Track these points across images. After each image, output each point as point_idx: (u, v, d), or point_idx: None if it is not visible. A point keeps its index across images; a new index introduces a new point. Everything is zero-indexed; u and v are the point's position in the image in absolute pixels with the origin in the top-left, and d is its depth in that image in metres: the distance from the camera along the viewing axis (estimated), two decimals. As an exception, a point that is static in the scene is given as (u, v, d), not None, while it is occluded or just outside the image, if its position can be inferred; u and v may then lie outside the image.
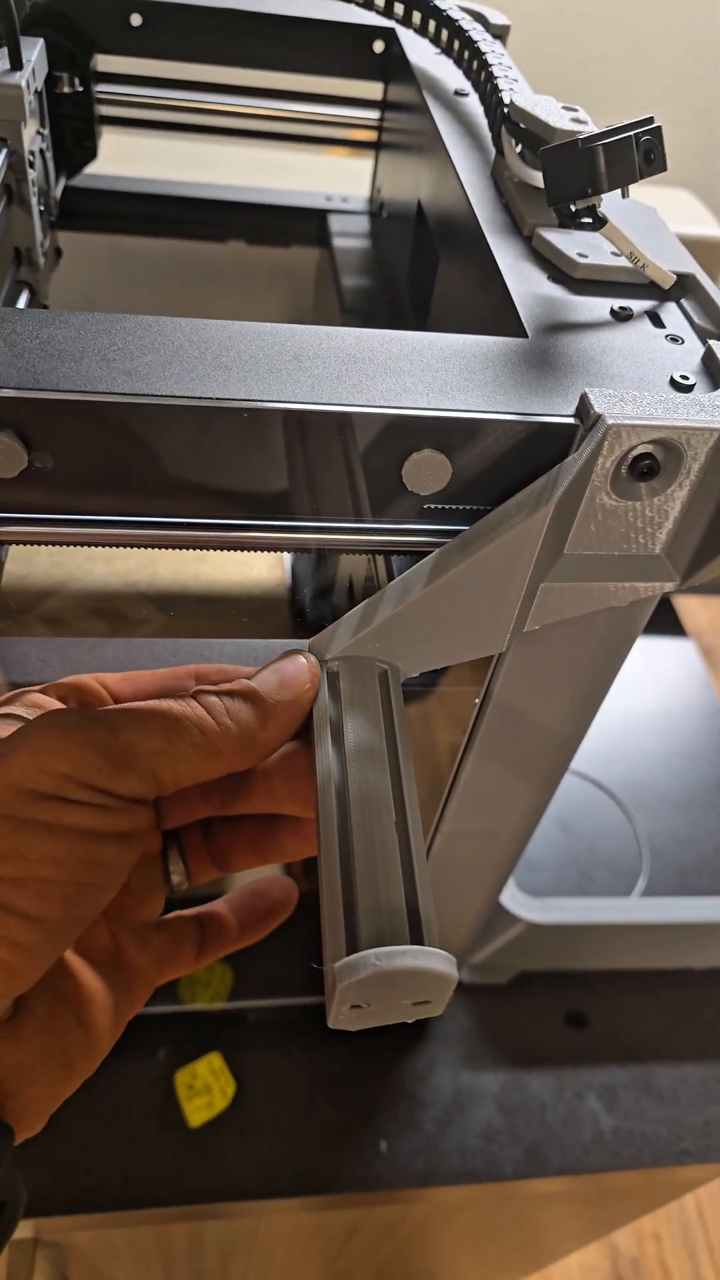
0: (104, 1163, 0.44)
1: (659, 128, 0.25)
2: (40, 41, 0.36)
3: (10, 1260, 0.50)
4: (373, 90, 0.46)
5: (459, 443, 0.22)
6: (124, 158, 0.50)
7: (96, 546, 0.24)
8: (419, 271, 0.38)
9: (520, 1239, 0.69)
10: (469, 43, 0.35)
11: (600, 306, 0.26)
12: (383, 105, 0.46)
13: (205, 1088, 0.47)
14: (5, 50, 0.34)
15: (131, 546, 0.24)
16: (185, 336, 0.23)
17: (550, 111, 0.29)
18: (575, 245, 0.28)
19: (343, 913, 0.20)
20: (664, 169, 0.25)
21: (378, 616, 0.24)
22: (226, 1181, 0.45)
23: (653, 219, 0.30)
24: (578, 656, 0.28)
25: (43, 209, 0.38)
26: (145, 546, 0.24)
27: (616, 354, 0.25)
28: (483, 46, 0.34)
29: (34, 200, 0.36)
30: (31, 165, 0.36)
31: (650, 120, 0.25)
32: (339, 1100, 0.48)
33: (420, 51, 0.41)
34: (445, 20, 0.37)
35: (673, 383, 0.24)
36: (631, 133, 0.24)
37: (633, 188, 0.27)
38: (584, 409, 0.22)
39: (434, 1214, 0.57)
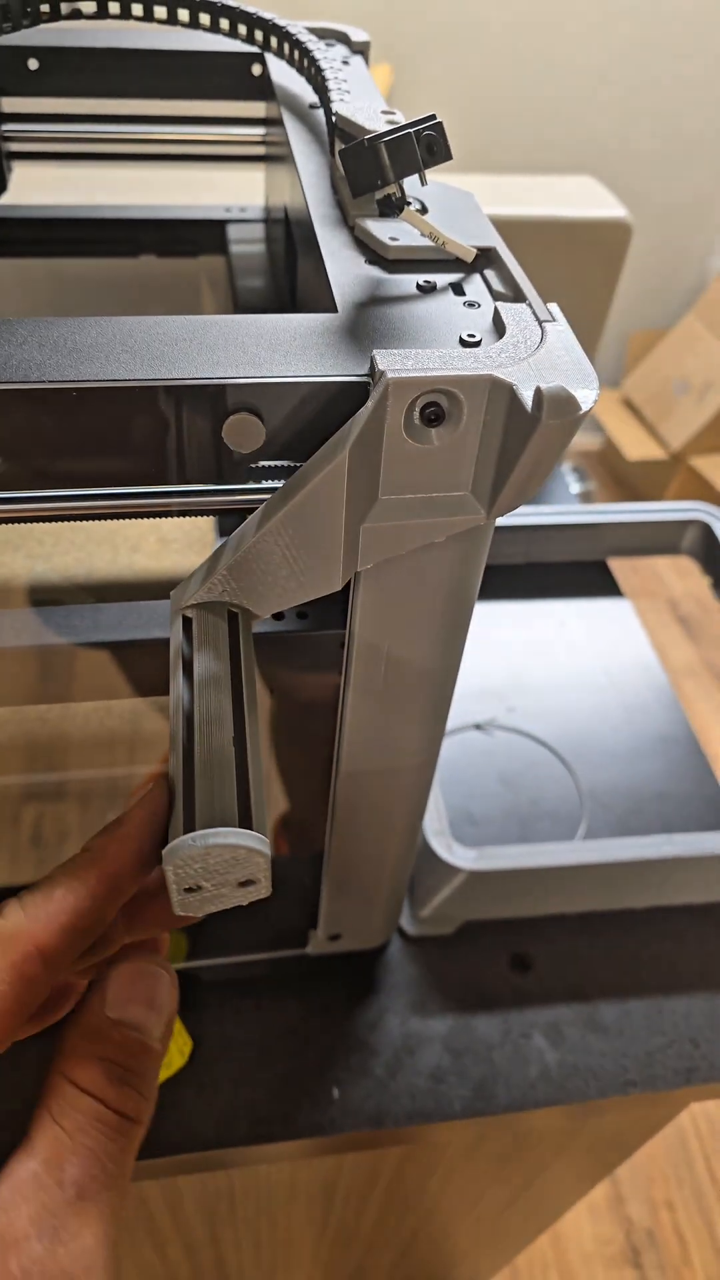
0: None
1: (440, 123, 0.28)
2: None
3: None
4: (257, 110, 0.50)
5: (266, 404, 0.26)
6: (35, 188, 0.54)
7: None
8: (289, 268, 0.42)
9: (510, 1192, 0.72)
10: (313, 61, 0.38)
11: (408, 282, 0.30)
12: (264, 122, 0.50)
13: (165, 1046, 0.50)
14: None
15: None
16: (29, 332, 0.26)
17: (368, 116, 0.33)
18: (390, 231, 0.31)
19: (182, 815, 0.23)
20: (448, 159, 0.29)
21: (220, 564, 0.28)
22: (186, 1134, 0.48)
23: (467, 201, 0.33)
24: (423, 591, 0.31)
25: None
26: (9, 521, 0.28)
27: (417, 321, 0.28)
28: (322, 64, 0.37)
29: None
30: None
31: (433, 117, 0.28)
32: (292, 1052, 0.51)
33: (283, 72, 0.45)
34: (295, 43, 0.40)
35: (461, 341, 0.27)
36: (412, 129, 0.28)
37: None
38: (373, 368, 0.26)
39: (408, 1164, 0.59)
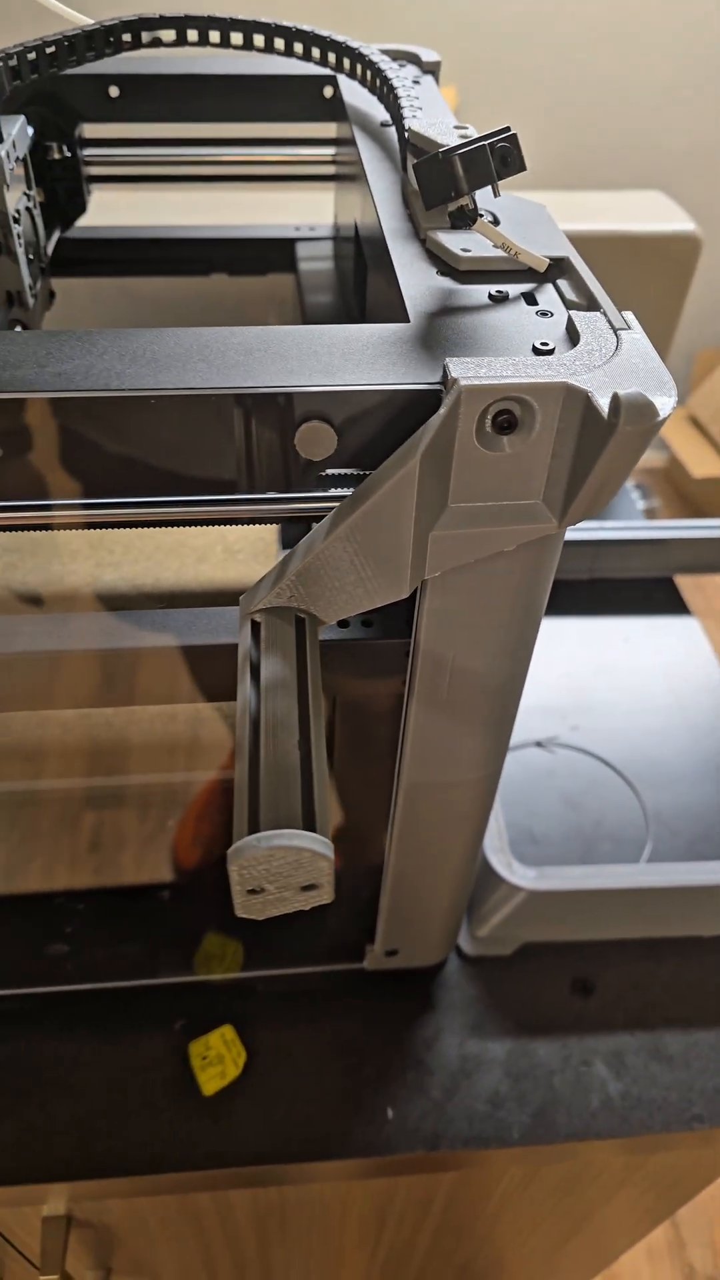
0: (122, 1129, 0.48)
1: (513, 135, 0.28)
2: (20, 118, 0.42)
3: (44, 1237, 0.54)
4: (329, 130, 0.51)
5: (338, 412, 0.26)
6: (114, 210, 0.56)
7: (42, 530, 0.28)
8: (359, 284, 0.42)
9: (567, 1227, 0.70)
10: (386, 81, 0.39)
11: (480, 293, 0.30)
12: (335, 142, 0.51)
13: (218, 1058, 0.50)
14: (-14, 126, 0.39)
15: (71, 528, 0.28)
16: (109, 343, 0.27)
17: (441, 131, 0.33)
18: (461, 243, 0.31)
19: (247, 817, 0.23)
20: (521, 170, 0.29)
21: (289, 570, 0.28)
22: (240, 1146, 0.48)
23: (539, 214, 0.33)
24: (491, 601, 0.31)
25: (31, 258, 0.43)
26: (86, 527, 0.28)
27: (489, 330, 0.28)
28: (395, 83, 0.38)
29: (20, 251, 0.41)
30: (17, 221, 0.41)
31: (507, 129, 0.28)
32: (347, 1068, 0.50)
33: (355, 93, 0.45)
34: (368, 64, 0.41)
35: (534, 349, 0.27)
36: (486, 142, 0.28)
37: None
38: (445, 376, 0.26)
39: (464, 1190, 0.58)
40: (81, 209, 0.51)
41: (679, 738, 0.67)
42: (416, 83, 0.46)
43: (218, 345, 0.27)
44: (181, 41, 0.46)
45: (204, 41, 0.46)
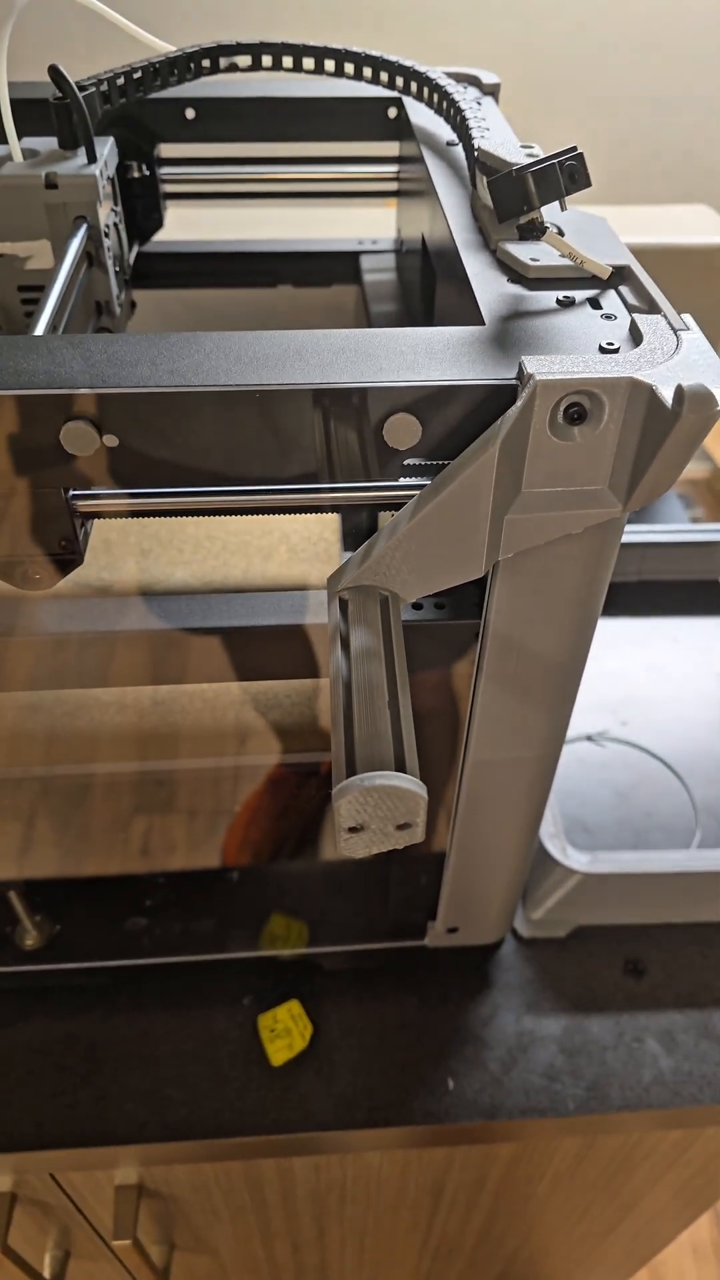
0: (195, 1097, 0.50)
1: (580, 154, 0.31)
2: (110, 140, 0.45)
3: (117, 1204, 0.56)
4: (391, 149, 0.54)
5: (422, 405, 0.28)
6: (189, 226, 0.59)
7: (151, 516, 0.31)
8: (426, 292, 0.45)
9: (614, 1212, 0.71)
10: (452, 103, 0.42)
11: (548, 298, 0.32)
12: (399, 160, 0.53)
13: (286, 1030, 0.52)
14: (84, 150, 0.43)
15: (175, 515, 0.31)
16: (214, 344, 0.30)
17: (509, 150, 0.36)
18: (530, 253, 0.34)
19: (344, 764, 0.26)
20: (587, 185, 0.31)
21: (374, 551, 0.30)
22: (306, 1114, 0.50)
23: (601, 226, 0.36)
24: (558, 582, 0.33)
25: (118, 270, 0.46)
26: (188, 514, 0.31)
27: (558, 332, 0.31)
28: (462, 105, 0.41)
29: (109, 263, 0.44)
30: (106, 235, 0.44)
31: (574, 149, 0.31)
32: (408, 1043, 0.52)
33: (420, 113, 0.48)
34: (435, 87, 0.44)
35: (600, 348, 0.29)
36: (555, 160, 0.30)
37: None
38: (521, 372, 0.28)
39: (518, 1167, 0.60)
40: (158, 225, 0.54)
41: (726, 732, 0.69)
42: (479, 104, 0.49)
43: (312, 345, 0.30)
44: (256, 66, 0.49)
45: (277, 66, 0.49)
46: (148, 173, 0.52)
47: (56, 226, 0.42)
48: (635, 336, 0.30)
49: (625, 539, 0.77)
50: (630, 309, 0.32)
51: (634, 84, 1.68)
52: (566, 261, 0.33)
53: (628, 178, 1.82)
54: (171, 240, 0.56)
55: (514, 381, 0.28)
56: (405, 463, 0.30)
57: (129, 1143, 0.50)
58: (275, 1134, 0.50)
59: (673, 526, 0.78)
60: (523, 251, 0.34)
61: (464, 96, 0.42)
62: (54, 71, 0.41)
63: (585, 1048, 0.53)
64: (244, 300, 0.59)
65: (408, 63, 0.46)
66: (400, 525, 0.30)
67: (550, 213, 0.37)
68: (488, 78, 0.50)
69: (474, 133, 0.38)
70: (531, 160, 0.31)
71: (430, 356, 0.29)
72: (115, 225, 0.46)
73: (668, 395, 0.26)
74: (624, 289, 0.33)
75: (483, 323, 0.31)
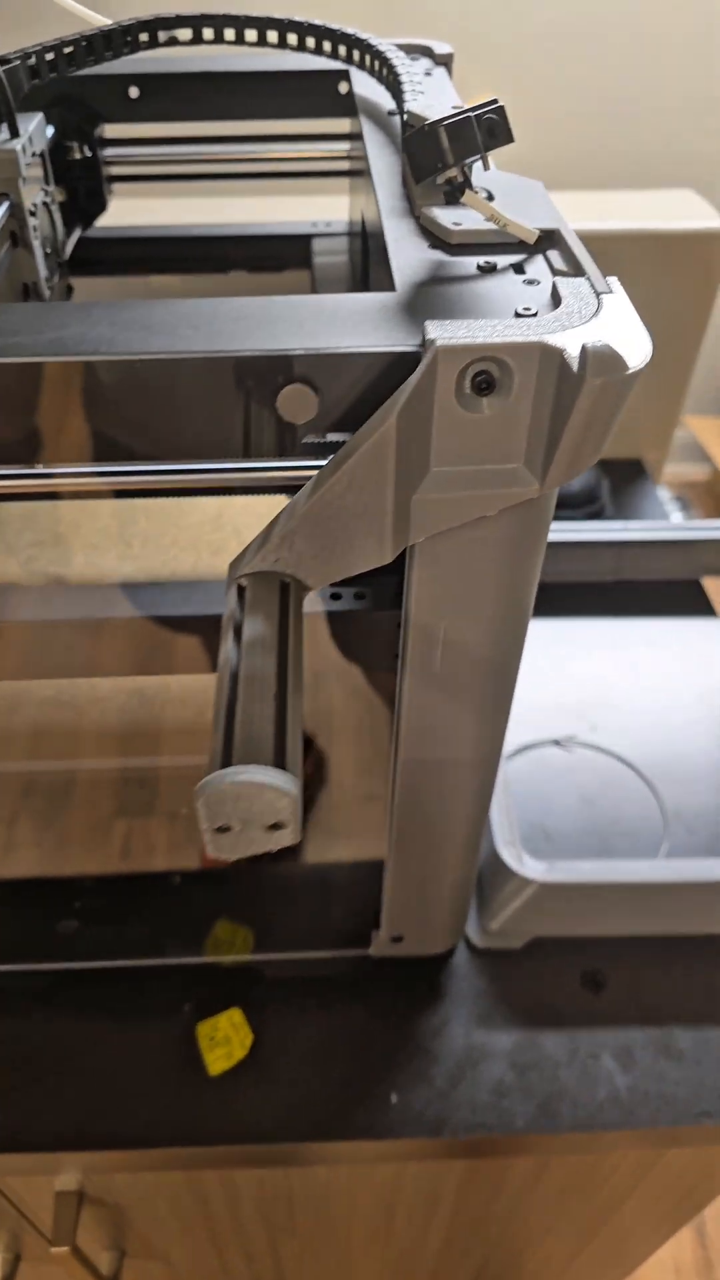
0: (130, 1105, 0.48)
1: (501, 107, 0.29)
2: (38, 116, 0.43)
3: (57, 1209, 0.54)
4: (344, 126, 0.52)
5: (319, 375, 0.26)
6: (135, 210, 0.57)
7: (27, 499, 0.29)
8: (364, 273, 0.43)
9: (583, 1229, 0.69)
10: (390, 68, 0.40)
11: (470, 263, 0.30)
12: (349, 138, 0.52)
13: (225, 1039, 0.50)
14: (4, 124, 0.41)
15: (57, 497, 0.29)
16: (104, 313, 0.28)
17: (438, 111, 0.34)
18: (454, 217, 0.32)
19: (219, 760, 0.24)
20: (509, 141, 0.29)
21: (273, 535, 0.28)
22: (244, 1126, 0.48)
23: (534, 189, 0.34)
24: (479, 568, 0.31)
25: (49, 252, 0.45)
26: (72, 496, 0.29)
27: (475, 298, 0.29)
28: (399, 69, 0.39)
29: (36, 243, 0.42)
30: (33, 214, 0.42)
31: (494, 101, 0.29)
32: (351, 1055, 0.50)
33: (367, 86, 0.46)
34: (377, 54, 0.42)
35: (516, 314, 0.27)
36: (472, 113, 0.28)
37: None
38: (424, 338, 0.26)
39: (472, 1184, 0.58)
40: (102, 208, 0.52)
41: (700, 738, 0.66)
42: (429, 74, 0.47)
43: (208, 313, 0.28)
44: (198, 40, 0.47)
45: (219, 39, 0.47)
46: (89, 154, 0.50)
47: (-20, 200, 0.40)
48: (556, 301, 0.28)
49: (602, 536, 0.75)
50: (555, 273, 0.30)
51: (619, 68, 1.66)
52: (493, 225, 0.31)
53: (609, 163, 1.80)
54: (118, 225, 0.54)
55: (417, 349, 0.26)
56: (306, 440, 0.28)
57: (64, 1149, 0.48)
58: (210, 1145, 0.47)
59: (651, 524, 0.76)
60: (446, 216, 0.32)
61: (407, 65, 0.40)
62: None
63: (538, 1064, 0.50)
64: (196, 287, 0.57)
65: (351, 31, 0.44)
66: (298, 506, 0.28)
67: (486, 178, 0.35)
68: (440, 48, 0.49)
69: (406, 96, 0.36)
70: (449, 114, 0.29)
71: (331, 324, 0.27)
72: (46, 205, 0.44)
73: (574, 358, 0.24)
74: (552, 253, 0.31)
75: (394, 289, 0.29)
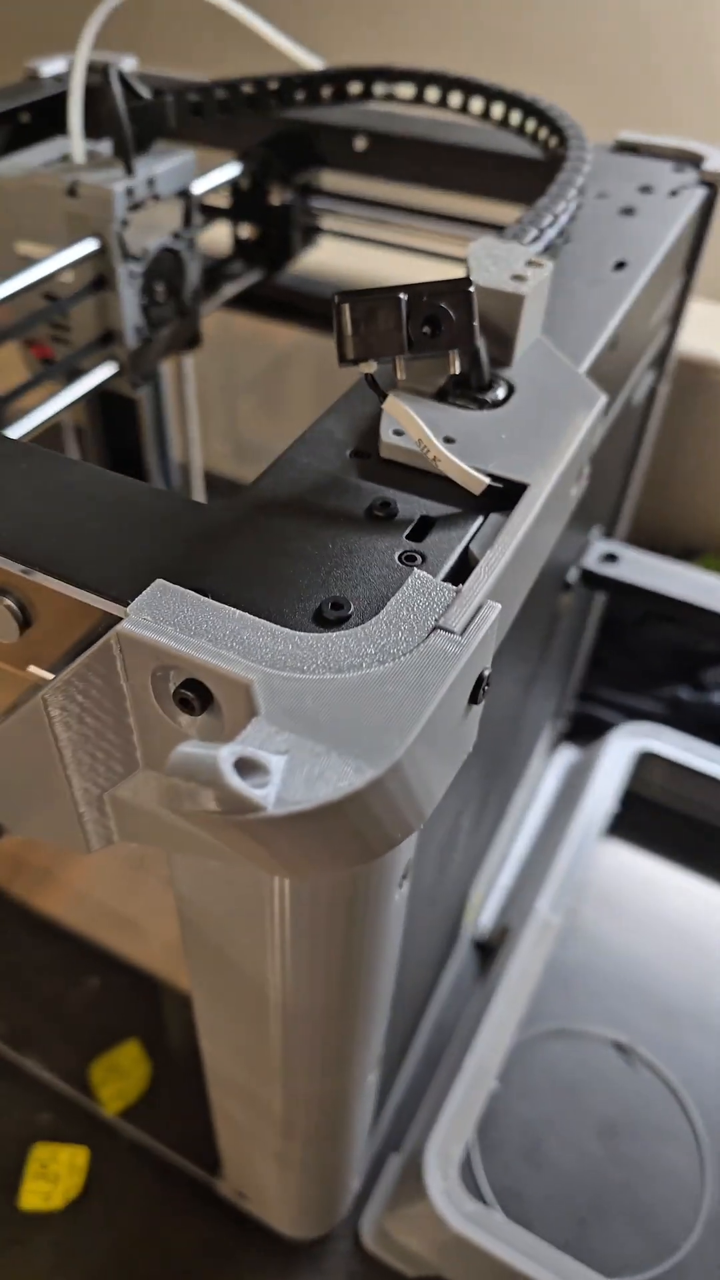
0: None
1: (466, 292, 0.19)
2: (181, 153, 0.38)
3: None
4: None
5: (24, 596, 0.19)
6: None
7: None
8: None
9: None
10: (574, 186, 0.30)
11: (368, 496, 0.21)
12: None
13: (54, 1177, 0.45)
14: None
15: None
16: None
17: (496, 276, 0.24)
18: (422, 415, 0.22)
19: None
20: (465, 345, 0.19)
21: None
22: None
23: (570, 401, 0.22)
24: (240, 895, 0.22)
25: (159, 301, 0.40)
26: None
27: (303, 561, 0.19)
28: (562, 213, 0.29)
29: (130, 288, 0.38)
30: (136, 259, 0.38)
31: (463, 282, 0.19)
32: None
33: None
34: (580, 155, 0.32)
35: (319, 617, 0.18)
36: (400, 294, 0.19)
37: None
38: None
39: None
40: (288, 255, 0.47)
41: None
42: (674, 194, 0.35)
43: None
44: (419, 100, 0.40)
45: (443, 104, 0.39)
46: (288, 200, 0.45)
47: (79, 237, 0.36)
48: (375, 606, 0.18)
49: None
50: (450, 572, 0.19)
51: None
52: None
53: None
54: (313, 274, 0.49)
55: (118, 614, 0.18)
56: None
57: None
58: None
59: None
60: (389, 423, 0.22)
61: (591, 203, 0.30)
62: (118, 74, 0.35)
63: None
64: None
65: (570, 126, 0.34)
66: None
67: (530, 365, 0.24)
68: (715, 159, 0.37)
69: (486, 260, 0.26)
70: (364, 291, 0.19)
71: (103, 533, 0.19)
72: (171, 251, 0.40)
73: (230, 768, 0.15)
74: (495, 517, 0.20)
75: (243, 509, 0.20)
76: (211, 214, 0.46)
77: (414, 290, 0.19)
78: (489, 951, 0.55)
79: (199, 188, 0.40)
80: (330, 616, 0.18)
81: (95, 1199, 0.44)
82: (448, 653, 0.16)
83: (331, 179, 0.46)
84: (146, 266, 0.38)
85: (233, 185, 0.45)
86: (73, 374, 0.39)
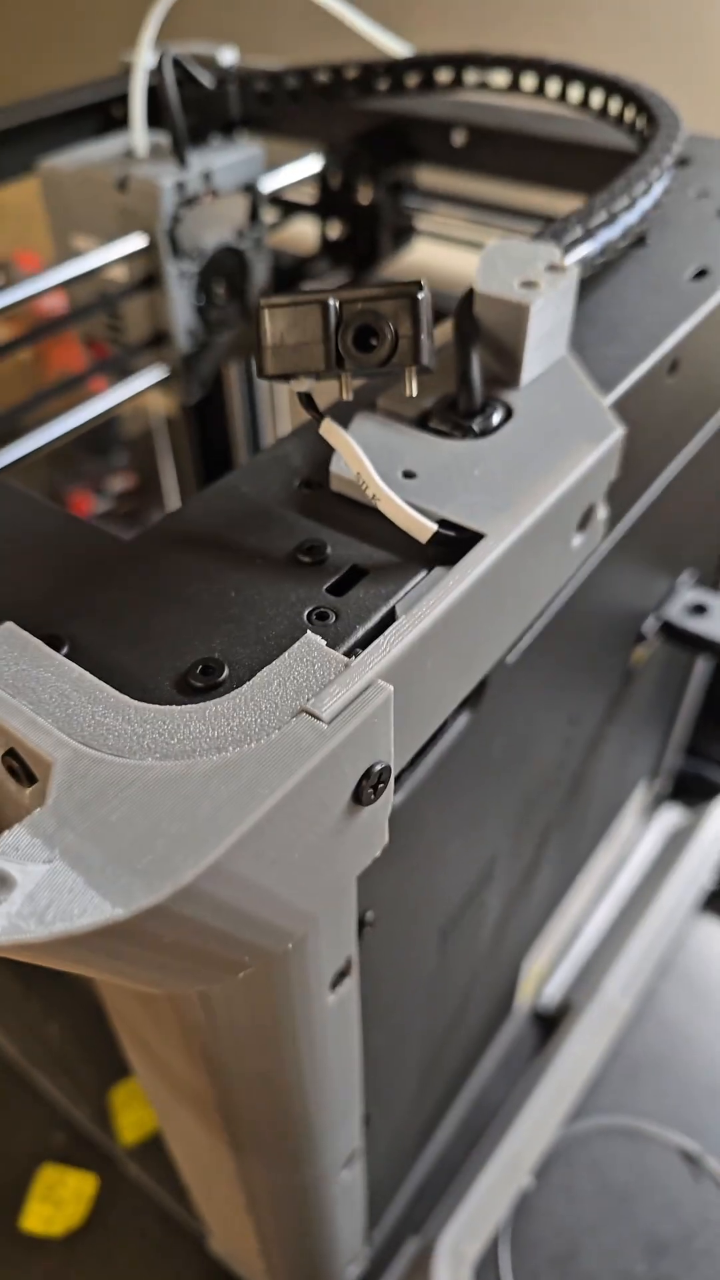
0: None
1: (413, 298, 0.15)
2: (245, 146, 0.36)
3: None
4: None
5: None
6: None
7: None
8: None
9: None
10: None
11: (301, 532, 0.17)
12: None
13: (59, 1202, 0.44)
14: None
15: None
16: None
17: (504, 284, 0.20)
18: (387, 446, 0.19)
19: None
20: (420, 367, 0.15)
21: None
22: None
23: (575, 433, 0.18)
24: (152, 999, 0.19)
25: (218, 303, 0.38)
26: None
27: (193, 609, 0.16)
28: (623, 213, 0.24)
29: (181, 288, 0.36)
30: (190, 257, 0.36)
31: (415, 286, 0.16)
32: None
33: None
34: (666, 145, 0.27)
35: (185, 683, 0.15)
36: (331, 297, 0.15)
37: None
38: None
39: None
40: (375, 255, 0.44)
41: None
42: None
43: None
44: (514, 88, 0.36)
45: (540, 92, 0.35)
46: (375, 198, 0.42)
47: (130, 232, 0.35)
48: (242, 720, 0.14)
49: None
50: (366, 636, 0.16)
51: None
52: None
53: None
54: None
55: None
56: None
57: None
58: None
59: None
60: (377, 440, 0.19)
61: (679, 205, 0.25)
62: (172, 61, 0.33)
63: None
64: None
65: (666, 116, 0.29)
66: None
67: (545, 387, 0.20)
68: None
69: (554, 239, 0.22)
70: (301, 296, 0.16)
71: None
72: (233, 250, 0.37)
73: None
74: (438, 572, 0.16)
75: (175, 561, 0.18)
76: (294, 210, 0.44)
77: (346, 297, 0.15)
78: (552, 1025, 0.50)
79: (269, 184, 0.37)
80: (196, 684, 0.15)
81: (96, 1232, 0.43)
82: (302, 744, 0.13)
83: (427, 176, 0.43)
84: (202, 266, 0.36)
85: (321, 181, 0.42)
86: (125, 375, 0.38)
